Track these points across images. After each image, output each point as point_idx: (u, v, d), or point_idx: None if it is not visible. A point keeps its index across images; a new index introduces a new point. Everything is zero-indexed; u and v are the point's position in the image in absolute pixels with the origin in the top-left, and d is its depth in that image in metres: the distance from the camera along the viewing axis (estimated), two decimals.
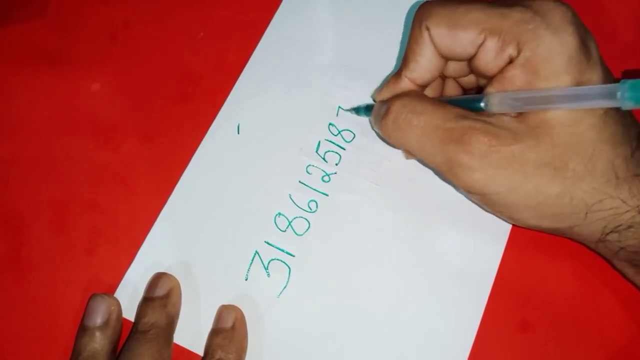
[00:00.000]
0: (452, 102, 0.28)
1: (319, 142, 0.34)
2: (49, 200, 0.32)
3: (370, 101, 0.34)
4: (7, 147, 0.33)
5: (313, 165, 0.33)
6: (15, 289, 0.31)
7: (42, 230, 0.32)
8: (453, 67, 0.30)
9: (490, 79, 0.28)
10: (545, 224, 0.28)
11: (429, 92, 0.31)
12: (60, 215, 0.32)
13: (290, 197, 0.33)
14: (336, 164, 0.33)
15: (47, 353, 0.30)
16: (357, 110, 0.34)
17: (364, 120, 0.34)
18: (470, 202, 0.31)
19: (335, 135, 0.34)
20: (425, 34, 0.28)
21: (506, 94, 0.26)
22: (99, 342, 0.28)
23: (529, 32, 0.25)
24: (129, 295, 0.30)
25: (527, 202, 0.27)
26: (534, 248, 0.31)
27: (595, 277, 0.31)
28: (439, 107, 0.27)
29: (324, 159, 0.33)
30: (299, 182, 0.33)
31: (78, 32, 0.36)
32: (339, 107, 0.35)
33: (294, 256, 0.31)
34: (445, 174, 0.28)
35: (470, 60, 0.28)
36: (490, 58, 0.27)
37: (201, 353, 0.29)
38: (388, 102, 0.29)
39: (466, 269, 0.31)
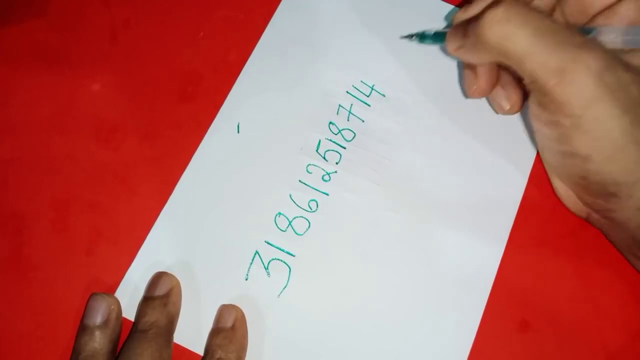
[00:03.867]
0: None
1: (319, 141, 0.34)
2: (49, 200, 0.32)
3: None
4: (7, 147, 0.33)
5: (313, 165, 0.33)
6: (15, 289, 0.31)
7: (42, 230, 0.32)
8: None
9: (591, 16, 0.27)
10: (617, 170, 0.26)
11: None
12: (61, 215, 0.32)
13: (290, 196, 0.33)
14: (336, 163, 0.33)
15: (47, 353, 0.30)
16: (422, 37, 0.34)
17: (364, 119, 0.34)
18: (470, 202, 0.31)
19: (336, 134, 0.34)
20: None
21: (622, 28, 0.26)
22: (98, 341, 0.28)
23: None
24: (129, 294, 0.30)
25: (616, 136, 0.25)
26: (534, 248, 0.31)
27: (595, 277, 0.31)
28: (553, 20, 0.26)
29: (324, 158, 0.33)
30: (299, 181, 0.33)
31: (78, 32, 0.36)
32: (407, 35, 0.35)
33: (294, 256, 0.31)
34: (546, 83, 0.26)
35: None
36: None
37: (201, 353, 0.29)
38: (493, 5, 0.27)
39: (466, 269, 0.31)
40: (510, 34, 0.26)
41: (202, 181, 0.33)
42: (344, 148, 0.34)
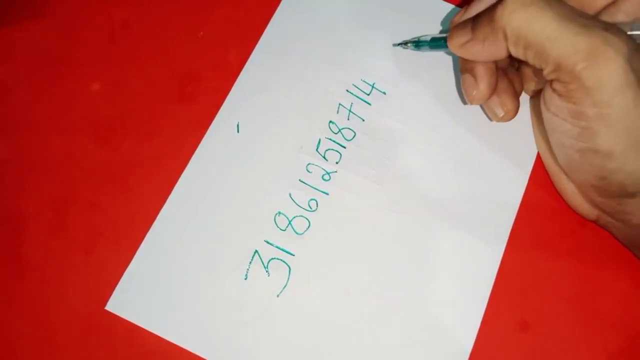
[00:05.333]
0: None
1: (319, 140, 0.34)
2: (48, 199, 0.32)
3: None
4: (7, 147, 0.33)
5: (313, 164, 0.33)
6: (14, 289, 0.31)
7: (41, 230, 0.32)
8: None
9: (595, 12, 0.27)
10: (638, 169, 0.25)
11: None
12: (60, 214, 0.32)
13: (290, 196, 0.33)
14: (337, 163, 0.33)
15: (46, 353, 0.30)
16: (417, 44, 0.33)
17: (365, 118, 0.34)
18: (470, 202, 0.31)
19: (336, 134, 0.34)
20: None
21: (629, 22, 0.25)
22: None
23: None
24: (128, 293, 0.30)
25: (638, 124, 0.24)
26: (534, 248, 0.31)
27: (595, 277, 0.31)
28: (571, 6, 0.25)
29: (324, 157, 0.33)
30: (299, 180, 0.33)
31: (78, 32, 0.36)
32: (398, 44, 0.35)
33: (294, 255, 0.31)
34: (575, 67, 0.25)
35: None
36: None
37: (201, 353, 0.29)
38: None
39: (466, 269, 0.31)
40: (535, 17, 0.25)
41: (201, 181, 0.33)
42: (344, 147, 0.34)
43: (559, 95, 0.26)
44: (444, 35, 0.31)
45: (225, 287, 0.31)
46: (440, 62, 0.35)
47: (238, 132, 0.34)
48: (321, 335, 0.30)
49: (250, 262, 0.31)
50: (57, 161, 0.33)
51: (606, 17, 0.27)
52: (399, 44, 0.34)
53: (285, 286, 0.31)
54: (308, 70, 0.35)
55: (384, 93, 0.35)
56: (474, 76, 0.30)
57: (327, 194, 0.33)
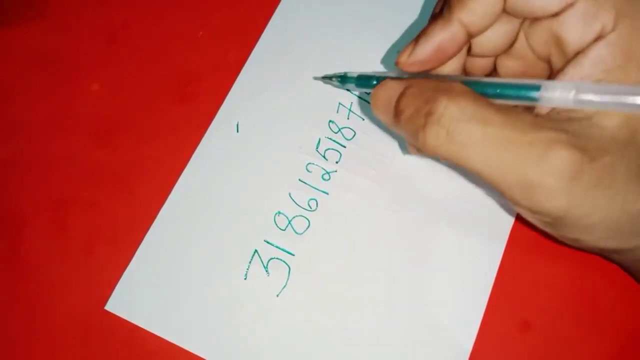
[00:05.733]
0: (492, 91, 0.22)
1: (319, 139, 0.34)
2: (48, 200, 0.32)
3: (364, 70, 0.29)
4: (6, 147, 0.33)
5: (313, 164, 0.33)
6: (14, 288, 0.31)
7: (40, 230, 0.32)
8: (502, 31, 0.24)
9: (563, 59, 0.23)
10: (614, 244, 0.23)
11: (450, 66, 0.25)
12: (60, 214, 0.32)
13: (290, 195, 0.32)
14: (336, 162, 0.33)
15: (46, 353, 0.30)
16: (342, 79, 0.28)
17: (365, 117, 0.34)
18: (470, 202, 0.31)
19: (336, 133, 0.34)
20: None
21: (594, 85, 0.21)
22: None
23: (632, 4, 0.21)
24: (127, 293, 0.30)
25: (607, 222, 0.22)
26: (534, 248, 0.31)
27: (595, 278, 0.31)
28: (505, 112, 0.21)
29: (324, 157, 0.33)
30: (299, 180, 0.33)
31: (77, 33, 0.36)
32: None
33: (293, 255, 0.31)
34: (515, 197, 0.22)
35: (539, 25, 0.23)
36: (576, 25, 0.21)
37: (201, 353, 0.29)
38: (430, 104, 0.22)
39: (466, 269, 0.31)
40: (456, 154, 0.22)
41: (201, 181, 0.33)
42: (344, 147, 0.34)
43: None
44: (371, 74, 0.27)
45: (225, 287, 0.31)
46: None
47: (238, 131, 0.34)
48: (321, 335, 0.30)
49: (250, 262, 0.31)
50: (56, 161, 0.33)
51: (573, 70, 0.22)
52: (322, 77, 0.31)
53: (285, 286, 0.31)
54: (308, 69, 0.35)
55: None
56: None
57: (327, 193, 0.33)
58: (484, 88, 0.23)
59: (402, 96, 0.23)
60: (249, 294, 0.31)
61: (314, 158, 0.33)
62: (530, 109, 0.23)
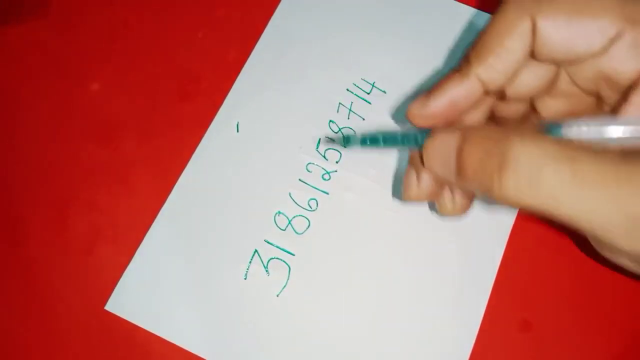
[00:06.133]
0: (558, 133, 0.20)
1: (319, 139, 0.34)
2: (48, 199, 0.32)
3: (372, 126, 0.28)
4: (7, 147, 0.33)
5: (313, 164, 0.33)
6: (14, 288, 0.31)
7: (41, 229, 0.32)
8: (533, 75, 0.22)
9: (615, 92, 0.21)
10: None
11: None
12: (60, 214, 0.32)
13: (290, 195, 0.32)
14: (337, 162, 0.33)
15: (46, 353, 0.30)
16: (346, 140, 0.25)
17: (365, 117, 0.34)
18: None
19: (336, 133, 0.34)
20: (527, 25, 0.20)
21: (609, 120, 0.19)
22: None
23: None
24: (127, 293, 0.30)
25: None
26: (534, 248, 0.31)
27: (595, 277, 0.31)
28: (589, 148, 0.18)
29: (324, 156, 0.33)
30: (299, 180, 0.33)
31: (78, 32, 0.36)
32: (323, 138, 0.33)
33: (293, 255, 0.31)
34: (618, 240, 0.18)
35: (584, 64, 0.21)
36: (627, 58, 0.20)
37: (200, 353, 0.29)
38: (501, 149, 0.19)
39: (467, 269, 0.31)
40: (546, 203, 0.18)
41: (201, 180, 0.33)
42: (344, 147, 0.34)
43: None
44: (375, 133, 0.24)
45: (225, 287, 0.31)
46: (442, 60, 0.35)
47: (238, 131, 0.34)
48: (321, 335, 0.30)
49: (250, 262, 0.31)
50: (57, 161, 0.33)
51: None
52: (326, 139, 0.29)
53: (285, 286, 0.31)
54: (308, 69, 0.35)
55: (385, 92, 0.35)
56: (419, 175, 0.25)
57: (327, 193, 0.33)
58: (554, 131, 0.20)
59: (465, 146, 0.20)
60: (249, 294, 0.31)
61: (314, 158, 0.33)
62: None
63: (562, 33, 0.20)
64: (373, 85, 0.35)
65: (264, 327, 0.30)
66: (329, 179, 0.33)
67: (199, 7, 0.36)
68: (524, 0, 0.21)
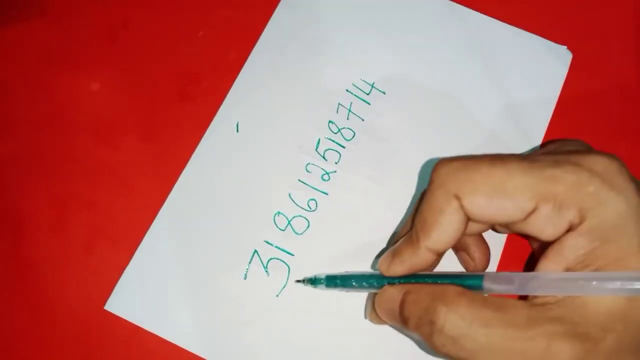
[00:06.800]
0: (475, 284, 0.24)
1: (319, 140, 0.34)
2: (48, 199, 0.32)
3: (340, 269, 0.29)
4: (6, 146, 0.33)
5: (313, 164, 0.33)
6: (14, 288, 0.31)
7: (41, 229, 0.32)
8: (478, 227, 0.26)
9: (540, 245, 0.24)
10: None
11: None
12: (60, 214, 0.32)
13: (289, 195, 0.32)
14: (336, 163, 0.33)
15: (46, 353, 0.30)
16: (313, 281, 0.29)
17: (364, 118, 0.34)
18: None
19: (335, 133, 0.34)
20: (454, 203, 0.23)
21: (580, 273, 0.22)
22: None
23: (590, 196, 0.22)
24: (127, 293, 0.30)
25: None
26: (530, 254, 0.31)
27: None
28: (501, 309, 0.22)
29: (323, 157, 0.33)
30: (299, 180, 0.33)
31: (78, 32, 0.36)
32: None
33: (293, 255, 0.31)
34: None
35: (512, 224, 0.24)
36: (545, 225, 0.23)
37: (200, 353, 0.29)
38: (430, 314, 0.23)
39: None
40: (468, 358, 0.22)
41: (201, 180, 0.33)
42: (344, 147, 0.34)
43: None
44: (339, 274, 0.28)
45: (224, 287, 0.31)
46: (442, 61, 0.35)
47: (237, 131, 0.34)
48: (320, 335, 0.30)
49: (249, 262, 0.31)
50: (56, 161, 0.33)
51: (554, 257, 0.23)
52: (298, 281, 0.31)
53: (284, 286, 0.31)
54: (307, 69, 0.35)
55: (384, 93, 0.35)
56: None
57: (326, 194, 0.33)
58: (472, 282, 0.24)
59: (404, 305, 0.25)
60: (248, 294, 0.31)
61: (313, 158, 0.33)
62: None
63: (484, 210, 0.23)
64: (372, 86, 0.35)
65: (263, 327, 0.30)
66: (329, 179, 0.33)
67: (199, 7, 0.36)
68: (447, 184, 0.24)
